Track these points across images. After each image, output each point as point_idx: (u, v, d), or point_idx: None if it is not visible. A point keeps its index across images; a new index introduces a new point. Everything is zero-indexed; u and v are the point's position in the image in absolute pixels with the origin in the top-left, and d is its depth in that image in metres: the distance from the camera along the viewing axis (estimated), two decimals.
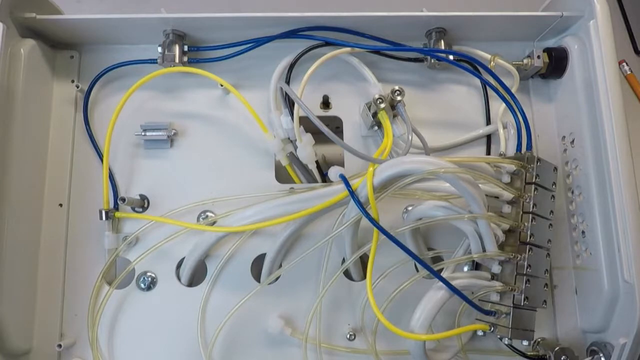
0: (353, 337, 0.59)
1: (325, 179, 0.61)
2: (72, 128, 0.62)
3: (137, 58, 0.62)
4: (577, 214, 0.60)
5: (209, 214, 0.61)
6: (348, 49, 0.60)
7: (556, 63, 0.62)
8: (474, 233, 0.52)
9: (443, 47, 0.62)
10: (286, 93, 0.58)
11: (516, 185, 0.55)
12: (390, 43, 0.63)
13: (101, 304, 0.58)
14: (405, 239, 0.57)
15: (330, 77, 0.64)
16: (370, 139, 0.63)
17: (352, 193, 0.50)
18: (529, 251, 0.53)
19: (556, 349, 0.55)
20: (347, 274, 0.60)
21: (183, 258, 0.60)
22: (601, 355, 0.55)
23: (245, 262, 0.60)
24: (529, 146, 0.58)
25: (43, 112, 0.61)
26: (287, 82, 0.60)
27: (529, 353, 0.57)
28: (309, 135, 0.59)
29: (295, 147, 0.60)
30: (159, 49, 0.61)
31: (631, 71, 0.88)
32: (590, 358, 0.56)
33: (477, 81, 0.65)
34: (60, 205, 0.60)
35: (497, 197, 0.55)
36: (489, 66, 0.62)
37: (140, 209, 0.61)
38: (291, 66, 0.61)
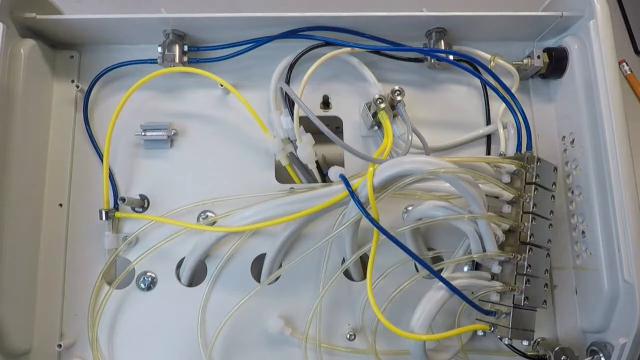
0: (353, 337, 0.59)
1: (325, 179, 0.61)
2: (72, 128, 0.62)
3: (137, 58, 0.62)
4: (577, 214, 0.60)
5: (209, 214, 0.61)
6: (348, 49, 0.60)
7: (556, 63, 0.62)
8: (474, 233, 0.52)
9: (443, 47, 0.62)
10: (286, 93, 0.58)
11: (516, 185, 0.55)
12: (390, 43, 0.63)
13: (101, 304, 0.58)
14: (405, 239, 0.57)
15: (330, 77, 0.64)
16: (370, 139, 0.63)
17: (352, 193, 0.50)
18: (529, 251, 0.53)
19: (556, 349, 0.55)
20: (347, 274, 0.60)
21: (183, 258, 0.60)
22: (601, 355, 0.55)
23: (245, 262, 0.60)
24: (529, 146, 0.58)
25: (43, 112, 0.61)
26: (287, 82, 0.60)
27: (529, 353, 0.57)
28: (309, 135, 0.59)
29: (295, 147, 0.60)
30: (159, 49, 0.61)
31: (631, 71, 0.88)
32: (590, 358, 0.56)
33: (477, 81, 0.65)
34: (60, 205, 0.60)
35: (497, 197, 0.55)
36: (489, 66, 0.62)
37: (140, 209, 0.61)
38: (291, 66, 0.61)
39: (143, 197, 0.61)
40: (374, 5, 0.66)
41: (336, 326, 0.59)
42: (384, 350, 0.58)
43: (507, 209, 0.55)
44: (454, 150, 0.64)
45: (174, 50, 0.61)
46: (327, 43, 0.61)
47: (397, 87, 0.55)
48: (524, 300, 0.52)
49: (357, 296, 0.60)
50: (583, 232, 0.59)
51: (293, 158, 0.61)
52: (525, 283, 0.53)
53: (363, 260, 0.59)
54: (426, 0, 0.67)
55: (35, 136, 0.59)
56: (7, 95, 0.54)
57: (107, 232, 0.59)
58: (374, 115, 0.57)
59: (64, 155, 0.61)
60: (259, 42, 0.61)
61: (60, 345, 0.56)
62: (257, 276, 0.60)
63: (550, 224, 0.55)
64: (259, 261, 0.60)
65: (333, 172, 0.52)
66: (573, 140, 0.61)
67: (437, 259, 0.60)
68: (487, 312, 0.53)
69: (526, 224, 0.53)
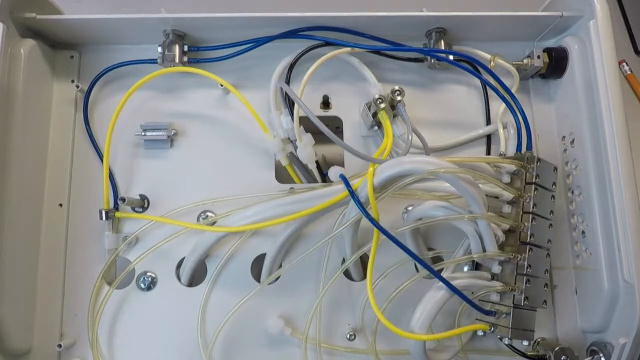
0: (353, 337, 0.59)
1: (325, 179, 0.61)
2: (72, 128, 0.62)
3: (137, 58, 0.62)
4: (577, 214, 0.60)
5: (209, 214, 0.61)
6: (348, 49, 0.60)
7: (556, 63, 0.62)
8: (474, 233, 0.52)
9: (443, 47, 0.62)
10: (286, 93, 0.58)
11: (516, 185, 0.55)
12: (390, 43, 0.63)
13: (101, 304, 0.58)
14: (405, 239, 0.57)
15: (330, 77, 0.64)
16: (370, 139, 0.63)
17: (352, 193, 0.50)
18: (529, 251, 0.53)
19: (556, 349, 0.56)
20: (347, 274, 0.60)
21: (183, 258, 0.60)
22: (601, 355, 0.55)
23: (245, 262, 0.60)
24: (529, 146, 0.58)
25: (43, 112, 0.61)
26: (287, 82, 0.60)
27: (529, 353, 0.57)
28: (309, 135, 0.59)
29: (295, 147, 0.60)
30: (159, 49, 0.61)
31: (631, 71, 0.88)
32: (590, 358, 0.56)
33: (477, 81, 0.65)
34: (60, 205, 0.60)
35: (497, 197, 0.55)
36: (489, 66, 0.62)
37: (140, 209, 0.61)
38: (291, 66, 0.61)
39: (143, 197, 0.61)
40: (374, 5, 0.66)
41: (336, 326, 0.59)
42: (384, 350, 0.58)
43: (507, 209, 0.55)
44: (454, 150, 0.64)
45: (174, 50, 0.61)
46: (327, 43, 0.61)
47: (397, 87, 0.55)
48: (524, 300, 0.52)
49: (357, 296, 0.60)
50: (583, 232, 0.59)
51: (293, 158, 0.61)
52: (525, 283, 0.53)
53: (363, 260, 0.59)
54: (426, 0, 0.67)
55: (35, 136, 0.59)
56: (7, 95, 0.54)
57: (107, 232, 0.59)
58: (374, 115, 0.57)
59: (64, 155, 0.61)
60: (259, 42, 0.61)
61: (60, 345, 0.56)
62: (257, 276, 0.60)
63: (550, 224, 0.55)
64: (259, 261, 0.60)
65: (333, 172, 0.52)
66: (573, 140, 0.61)
67: (437, 259, 0.60)
68: (487, 312, 0.53)
69: (526, 224, 0.53)
